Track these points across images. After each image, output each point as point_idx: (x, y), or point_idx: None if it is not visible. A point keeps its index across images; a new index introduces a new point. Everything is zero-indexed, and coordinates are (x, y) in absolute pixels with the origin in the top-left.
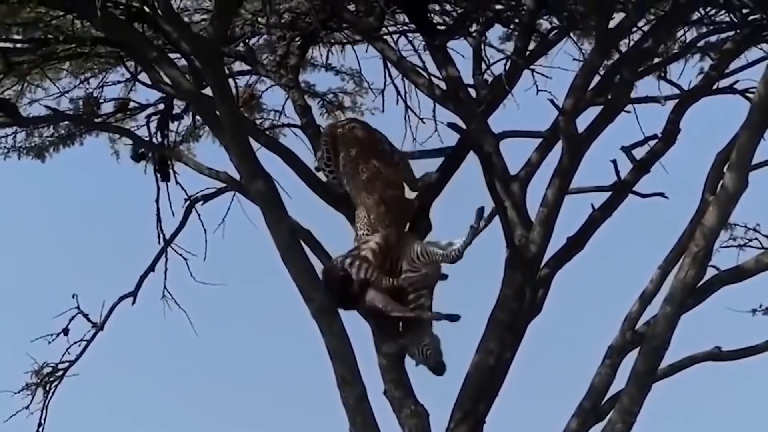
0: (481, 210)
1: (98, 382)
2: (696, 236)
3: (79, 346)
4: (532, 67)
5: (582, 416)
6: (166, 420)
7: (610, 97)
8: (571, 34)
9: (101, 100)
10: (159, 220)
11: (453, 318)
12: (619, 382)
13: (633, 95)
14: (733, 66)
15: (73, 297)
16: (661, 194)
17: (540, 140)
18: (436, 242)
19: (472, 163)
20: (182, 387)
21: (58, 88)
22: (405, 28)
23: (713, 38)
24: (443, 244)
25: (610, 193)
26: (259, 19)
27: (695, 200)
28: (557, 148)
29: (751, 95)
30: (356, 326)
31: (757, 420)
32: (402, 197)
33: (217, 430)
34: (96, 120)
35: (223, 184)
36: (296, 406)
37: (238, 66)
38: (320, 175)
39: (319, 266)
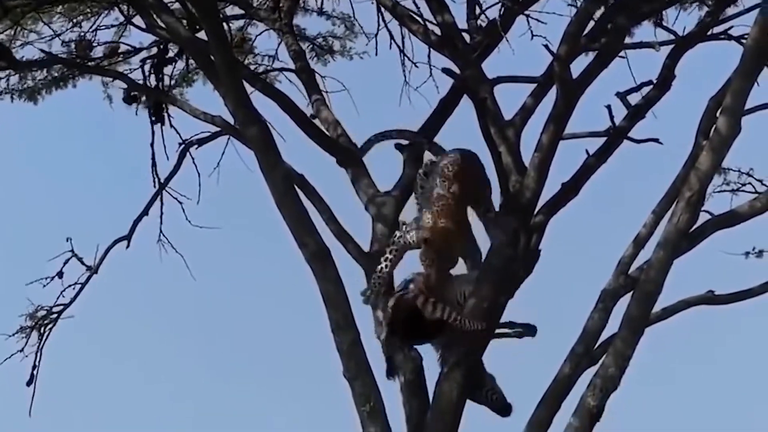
0: None
1: (93, 325)
2: (689, 181)
3: (74, 289)
4: (526, 12)
5: (575, 360)
6: (162, 363)
7: (604, 42)
8: None
9: (94, 44)
10: (154, 163)
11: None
12: (612, 326)
13: (628, 41)
14: (729, 12)
15: (67, 240)
16: (656, 140)
17: (534, 85)
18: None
19: (466, 108)
20: (178, 330)
21: (52, 29)
22: None
23: None
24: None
25: (604, 139)
26: None
27: (689, 145)
28: (552, 94)
29: (745, 41)
30: (350, 271)
31: (750, 363)
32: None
33: (212, 373)
34: (90, 63)
35: (218, 128)
36: (290, 351)
37: (231, 10)
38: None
39: (312, 211)
